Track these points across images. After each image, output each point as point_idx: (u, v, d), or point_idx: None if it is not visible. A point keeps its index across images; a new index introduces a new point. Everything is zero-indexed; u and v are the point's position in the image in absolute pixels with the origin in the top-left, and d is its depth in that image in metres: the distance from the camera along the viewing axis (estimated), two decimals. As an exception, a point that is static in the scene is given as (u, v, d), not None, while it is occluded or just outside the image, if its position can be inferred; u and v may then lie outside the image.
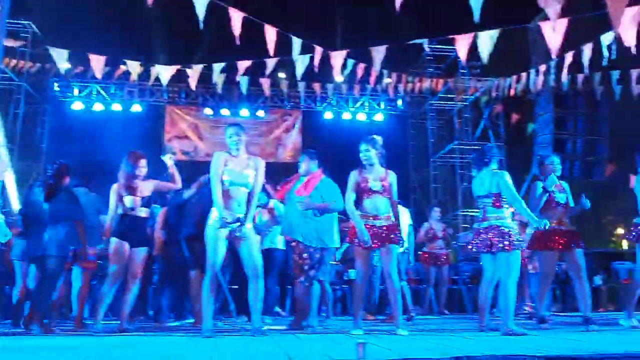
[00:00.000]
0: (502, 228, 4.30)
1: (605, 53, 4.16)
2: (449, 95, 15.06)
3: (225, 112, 14.60)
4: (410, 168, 16.89)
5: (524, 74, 8.12)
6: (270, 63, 5.47)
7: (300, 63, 5.17)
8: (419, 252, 8.59)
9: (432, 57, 15.19)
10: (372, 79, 6.79)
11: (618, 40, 3.38)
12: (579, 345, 3.17)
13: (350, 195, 4.45)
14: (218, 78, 5.91)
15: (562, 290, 10.26)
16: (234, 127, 4.32)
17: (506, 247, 4.25)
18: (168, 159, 5.13)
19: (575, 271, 4.84)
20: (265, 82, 6.68)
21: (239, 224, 4.09)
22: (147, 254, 4.97)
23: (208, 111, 14.57)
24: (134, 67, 5.58)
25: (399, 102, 16.05)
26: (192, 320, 6.06)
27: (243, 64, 5.49)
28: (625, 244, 20.50)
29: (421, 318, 7.32)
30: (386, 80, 9.43)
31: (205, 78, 6.83)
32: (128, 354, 2.96)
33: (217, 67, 5.79)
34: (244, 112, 14.65)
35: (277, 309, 7.70)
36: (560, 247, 4.81)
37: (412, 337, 3.90)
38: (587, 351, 2.74)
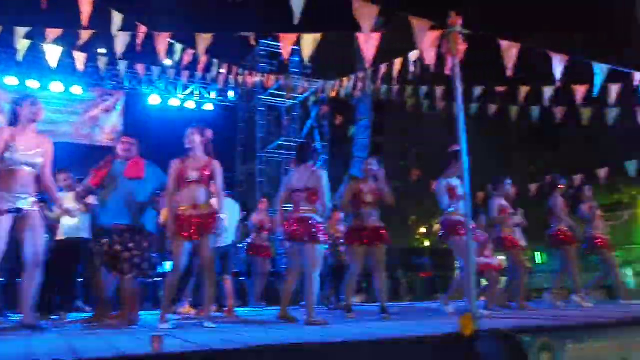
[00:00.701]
0: (312, 222, 4.52)
1: (411, 69, 4.61)
2: (279, 92, 15.41)
3: (32, 84, 12.85)
4: (237, 161, 16.93)
5: (345, 79, 8.61)
6: (85, 35, 5.01)
7: (121, 40, 4.82)
8: (244, 244, 8.65)
9: (265, 53, 15.41)
10: (201, 66, 6.60)
11: (421, 58, 3.76)
12: (373, 331, 3.45)
13: (172, 185, 4.31)
14: (21, 44, 5.23)
15: (368, 282, 11.10)
16: (32, 97, 3.93)
17: (313, 240, 4.48)
18: None
19: (376, 265, 5.26)
20: (79, 56, 6.08)
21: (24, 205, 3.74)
22: None
23: (11, 80, 12.63)
24: None
25: (230, 94, 16.00)
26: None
27: (52, 32, 4.94)
28: (426, 242, 23.06)
29: (239, 310, 7.39)
30: (221, 70, 9.29)
31: (7, 42, 6.00)
32: None
33: (21, 30, 5.12)
34: (57, 86, 13.13)
35: (79, 303, 7.13)
36: (366, 242, 5.18)
37: (218, 329, 3.90)
38: (376, 336, 3.01)
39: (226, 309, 6.56)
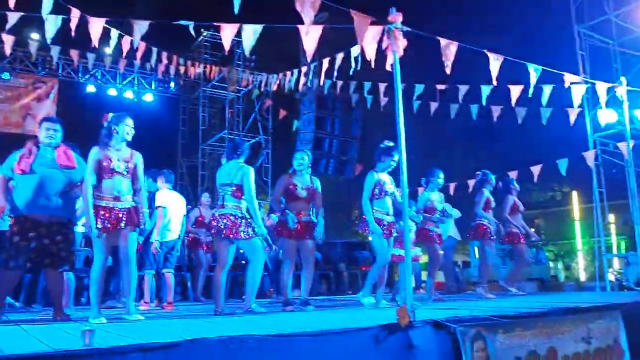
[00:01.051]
0: (237, 217, 4.59)
1: (353, 64, 4.64)
2: (222, 84, 15.20)
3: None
4: (179, 153, 16.60)
5: (289, 73, 8.58)
6: (13, 18, 4.73)
7: (52, 24, 4.57)
8: (185, 238, 8.47)
9: (208, 44, 15.16)
10: (139, 54, 6.39)
11: (363, 54, 3.79)
12: (312, 323, 3.46)
13: (91, 175, 4.09)
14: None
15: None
16: None
17: (246, 236, 4.59)
18: None
19: (305, 258, 5.27)
20: (8, 39, 5.74)
21: None
22: None
23: None
24: None
25: (172, 85, 15.65)
26: None
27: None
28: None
29: (180, 304, 7.27)
30: (162, 59, 9.02)
31: None
32: None
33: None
34: (-16, 71, 12.52)
35: (9, 299, 6.77)
36: (294, 235, 5.17)
37: (148, 323, 3.83)
38: (315, 327, 3.03)
39: (165, 303, 6.45)
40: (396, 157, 5.24)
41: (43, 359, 2.12)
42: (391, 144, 5.31)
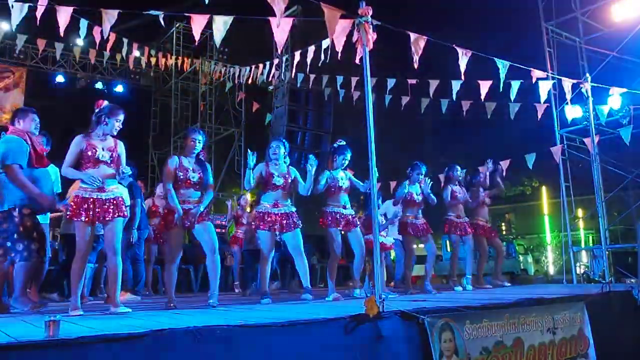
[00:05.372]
0: (196, 211, 4.62)
1: (322, 57, 4.63)
2: (195, 76, 15.05)
3: None
4: (150, 145, 16.38)
5: (261, 65, 8.54)
6: (-22, 6, 4.59)
7: (18, 11, 4.45)
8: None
9: (181, 36, 14.98)
10: (109, 45, 6.27)
11: (332, 46, 3.80)
12: (284, 314, 3.48)
13: (70, 164, 3.99)
14: None
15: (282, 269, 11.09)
16: None
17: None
18: None
19: (294, 249, 5.20)
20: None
21: None
22: None
23: None
24: None
25: (143, 76, 15.44)
26: None
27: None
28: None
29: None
30: (134, 50, 8.85)
31: None
32: None
33: None
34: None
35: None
36: (276, 228, 5.11)
37: (120, 315, 3.79)
38: (286, 319, 3.03)
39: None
40: (348, 156, 5.45)
41: (3, 350, 2.08)
42: (343, 143, 5.49)
